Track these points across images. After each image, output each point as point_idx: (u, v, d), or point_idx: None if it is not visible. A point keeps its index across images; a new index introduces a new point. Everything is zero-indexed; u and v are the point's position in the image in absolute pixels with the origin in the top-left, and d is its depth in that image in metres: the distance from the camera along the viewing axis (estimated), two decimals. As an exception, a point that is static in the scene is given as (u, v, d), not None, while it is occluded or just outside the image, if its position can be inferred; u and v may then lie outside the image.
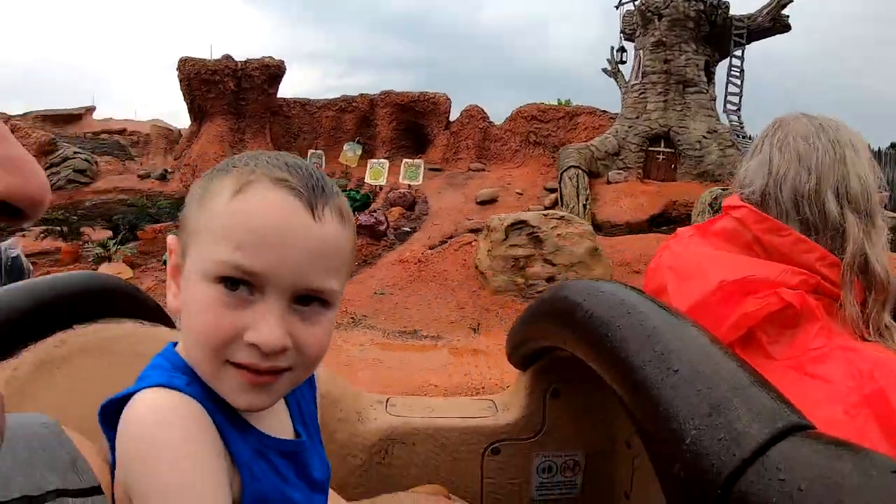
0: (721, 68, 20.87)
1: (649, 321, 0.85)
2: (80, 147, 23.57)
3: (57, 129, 30.27)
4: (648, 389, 0.75)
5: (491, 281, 11.29)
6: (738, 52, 20.46)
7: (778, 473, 0.56)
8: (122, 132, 32.50)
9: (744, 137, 19.92)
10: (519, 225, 11.28)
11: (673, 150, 19.53)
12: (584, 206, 16.47)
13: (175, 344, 0.78)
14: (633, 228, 15.99)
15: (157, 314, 1.33)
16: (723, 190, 15.94)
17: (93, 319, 1.18)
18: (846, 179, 1.24)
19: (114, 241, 16.59)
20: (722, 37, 20.13)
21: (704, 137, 19.34)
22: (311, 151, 22.56)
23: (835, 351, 1.08)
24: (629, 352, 0.82)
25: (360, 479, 1.40)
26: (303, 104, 25.17)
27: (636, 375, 0.78)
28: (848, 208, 1.23)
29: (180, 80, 23.30)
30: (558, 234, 11.18)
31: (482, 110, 23.88)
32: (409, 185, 19.27)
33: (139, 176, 22.60)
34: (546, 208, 17.21)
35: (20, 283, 1.15)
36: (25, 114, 31.08)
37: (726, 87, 20.44)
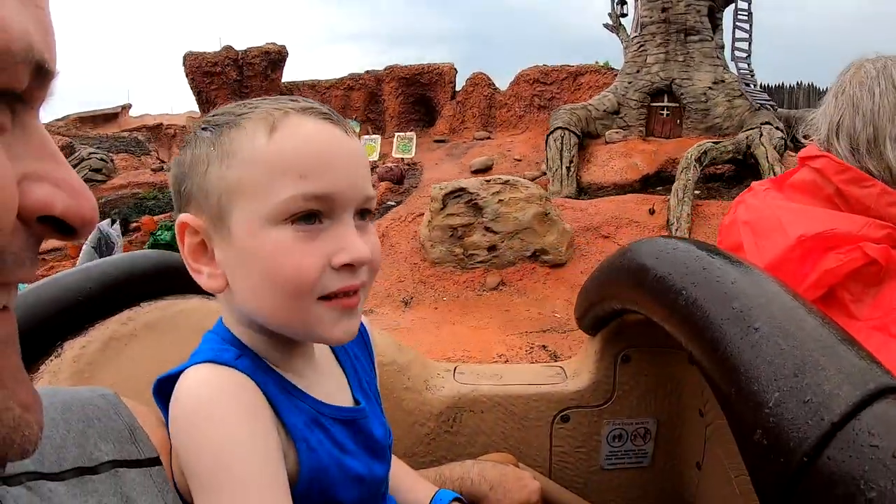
0: (728, 14, 19.63)
1: (726, 276, 0.80)
2: (97, 147, 24.37)
3: (96, 129, 31.48)
4: (726, 349, 0.70)
5: (430, 252, 11.02)
6: (745, -6, 19.18)
7: (870, 439, 0.52)
8: (158, 126, 33.51)
9: (754, 86, 18.76)
10: (458, 192, 10.93)
11: (678, 105, 18.57)
12: (568, 168, 15.86)
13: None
14: (622, 190, 15.34)
15: None
16: (714, 143, 15.06)
17: (160, 296, 1.21)
18: None
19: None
20: (724, -21, 18.91)
21: (710, 89, 18.28)
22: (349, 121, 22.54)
23: None
24: (705, 309, 0.77)
25: (427, 447, 1.39)
26: (311, 85, 25.19)
27: (713, 334, 0.74)
28: None
29: (186, 76, 23.74)
30: (500, 201, 10.77)
31: (487, 77, 23.32)
32: (402, 159, 19.05)
33: (152, 170, 23.20)
34: (543, 174, 16.73)
35: (87, 264, 1.18)
36: (64, 117, 32.41)
37: (733, 34, 19.22)
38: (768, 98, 18.34)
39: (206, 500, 0.66)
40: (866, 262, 1.08)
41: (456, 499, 1.02)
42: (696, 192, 15.08)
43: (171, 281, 1.23)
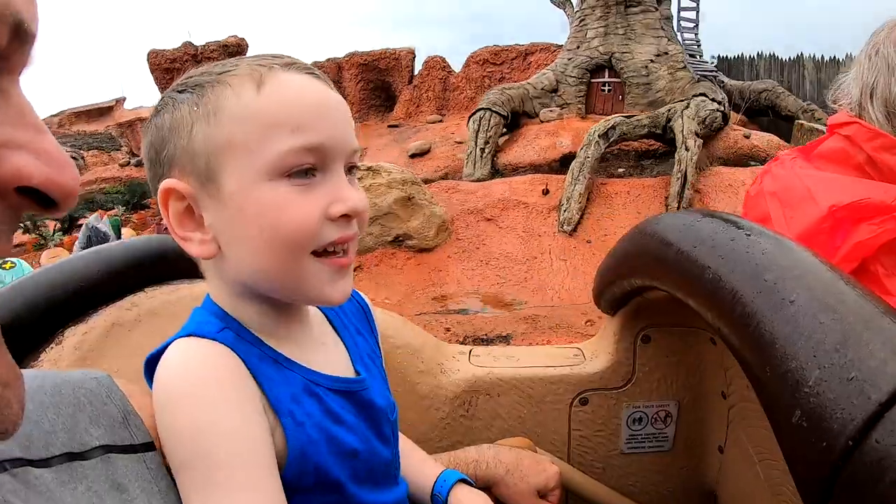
0: (674, -18, 18.91)
1: (756, 247, 0.75)
2: (70, 145, 25.00)
3: (91, 124, 32.28)
4: (759, 324, 0.66)
5: (286, 240, 11.02)
6: (688, -40, 18.47)
7: None
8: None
9: (700, 57, 18.10)
10: (316, 180, 10.89)
11: (619, 80, 18.04)
12: (482, 150, 15.58)
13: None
14: (538, 170, 15.02)
15: None
16: (626, 118, 14.56)
17: (164, 281, 1.20)
18: None
19: (58, 231, 18.02)
20: (664, -55, 18.21)
21: (652, 62, 17.68)
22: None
23: None
24: (734, 282, 0.73)
25: (442, 432, 1.36)
26: (276, 75, 25.33)
27: (744, 309, 0.69)
28: None
29: (151, 73, 24.08)
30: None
31: (442, 60, 23.05)
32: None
33: (120, 164, 23.70)
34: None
35: (90, 249, 1.17)
36: (59, 112, 33.31)
37: (679, 3, 18.55)
38: (713, 69, 17.67)
39: (187, 478, 0.65)
40: None
41: (462, 479, 0.99)
42: (621, 169, 14.66)
43: (176, 266, 1.20)
